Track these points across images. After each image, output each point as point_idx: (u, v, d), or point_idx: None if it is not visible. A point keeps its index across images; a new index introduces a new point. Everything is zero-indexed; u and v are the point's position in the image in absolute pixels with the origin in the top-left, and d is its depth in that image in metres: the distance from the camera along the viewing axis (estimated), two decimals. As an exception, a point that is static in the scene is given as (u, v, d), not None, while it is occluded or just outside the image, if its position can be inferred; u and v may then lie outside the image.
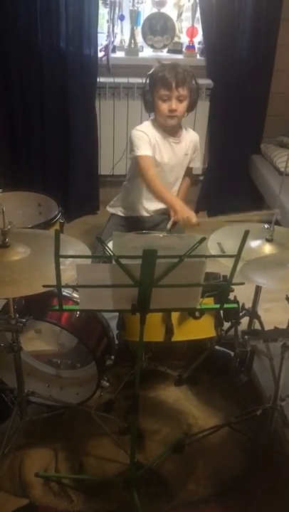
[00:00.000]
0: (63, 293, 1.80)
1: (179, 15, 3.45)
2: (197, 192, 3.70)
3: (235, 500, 1.83)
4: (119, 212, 2.68)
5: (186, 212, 2.34)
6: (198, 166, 2.70)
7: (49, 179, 3.45)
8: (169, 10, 3.44)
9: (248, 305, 2.18)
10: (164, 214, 2.62)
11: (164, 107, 2.37)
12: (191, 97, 2.39)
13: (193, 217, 2.32)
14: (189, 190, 2.79)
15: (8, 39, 3.04)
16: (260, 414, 1.90)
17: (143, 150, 2.42)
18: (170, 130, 2.49)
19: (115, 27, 3.33)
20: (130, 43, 3.36)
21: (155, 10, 3.40)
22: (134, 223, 2.64)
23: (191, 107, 2.44)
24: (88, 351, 1.89)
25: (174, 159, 2.53)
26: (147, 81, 2.38)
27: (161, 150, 2.49)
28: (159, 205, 2.59)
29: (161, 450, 1.96)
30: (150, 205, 2.61)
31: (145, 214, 2.65)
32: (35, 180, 3.41)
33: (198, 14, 3.33)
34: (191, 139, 2.57)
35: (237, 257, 1.33)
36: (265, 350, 2.16)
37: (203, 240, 1.30)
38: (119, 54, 3.38)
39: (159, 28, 3.39)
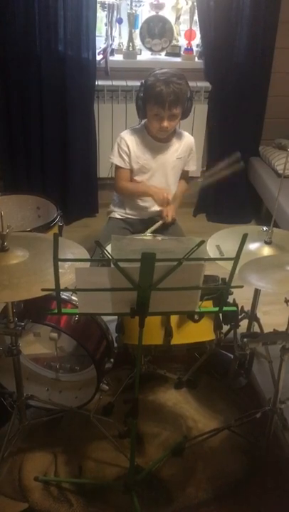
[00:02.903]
0: (62, 296, 1.80)
1: (177, 18, 3.45)
2: (196, 195, 3.70)
3: (235, 503, 1.82)
4: (117, 215, 2.68)
5: (162, 193, 2.45)
6: (193, 169, 2.69)
7: (48, 182, 3.45)
8: (167, 13, 3.44)
9: (247, 308, 2.18)
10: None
11: (156, 124, 2.38)
12: (184, 109, 2.39)
13: (168, 194, 2.45)
14: (186, 193, 2.78)
15: (7, 43, 3.04)
16: (260, 417, 1.89)
17: (117, 159, 2.52)
18: (160, 137, 2.49)
19: (113, 30, 3.34)
20: (128, 46, 3.36)
21: (153, 13, 3.41)
22: (131, 224, 2.65)
23: (184, 117, 2.44)
24: (87, 354, 1.88)
25: (163, 163, 2.53)
26: (141, 89, 2.37)
27: (146, 156, 2.50)
28: (154, 205, 2.59)
29: (160, 453, 1.95)
30: (145, 205, 2.61)
31: (141, 215, 2.65)
32: (34, 183, 3.41)
33: (196, 17, 3.33)
34: (185, 143, 2.56)
35: (236, 259, 1.33)
36: (265, 353, 2.16)
37: (201, 242, 1.30)
38: (118, 57, 3.39)
39: (157, 31, 3.40)
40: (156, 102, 2.31)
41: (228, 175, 2.44)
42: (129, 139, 2.49)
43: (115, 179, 2.59)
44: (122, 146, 2.49)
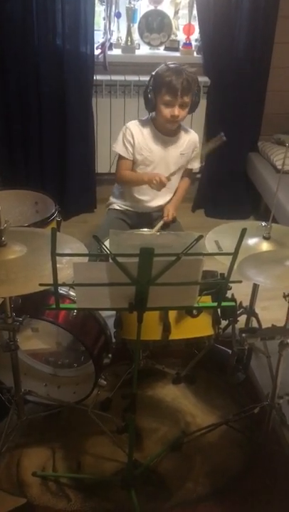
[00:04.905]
0: (60, 291, 1.80)
1: (176, 12, 3.44)
2: (195, 190, 3.69)
3: (233, 498, 1.83)
4: (116, 206, 2.67)
5: (154, 176, 2.41)
6: (196, 167, 2.69)
7: (46, 177, 3.44)
8: (166, 7, 3.43)
9: (246, 303, 2.17)
10: (160, 211, 2.61)
11: (166, 112, 2.36)
12: (193, 101, 2.39)
13: (162, 177, 2.40)
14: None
15: (4, 37, 3.03)
16: (258, 412, 1.90)
17: (120, 148, 2.51)
18: (167, 130, 2.48)
19: (112, 24, 3.32)
20: (127, 40, 3.35)
21: (152, 7, 3.39)
22: (131, 217, 2.64)
23: (192, 110, 2.44)
24: (85, 349, 1.88)
25: (166, 158, 2.52)
26: (151, 80, 2.36)
27: (151, 148, 2.49)
28: (153, 200, 2.59)
29: (159, 449, 1.96)
30: (144, 199, 2.60)
31: (140, 209, 2.64)
32: (32, 178, 3.40)
33: (195, 11, 3.31)
34: (190, 139, 2.56)
35: (234, 255, 1.33)
36: (263, 348, 2.16)
37: (200, 237, 1.30)
38: (116, 51, 3.37)
39: (155, 25, 3.38)
40: (169, 90, 2.30)
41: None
42: (134, 130, 2.47)
43: (117, 168, 2.58)
44: (126, 135, 2.48)
